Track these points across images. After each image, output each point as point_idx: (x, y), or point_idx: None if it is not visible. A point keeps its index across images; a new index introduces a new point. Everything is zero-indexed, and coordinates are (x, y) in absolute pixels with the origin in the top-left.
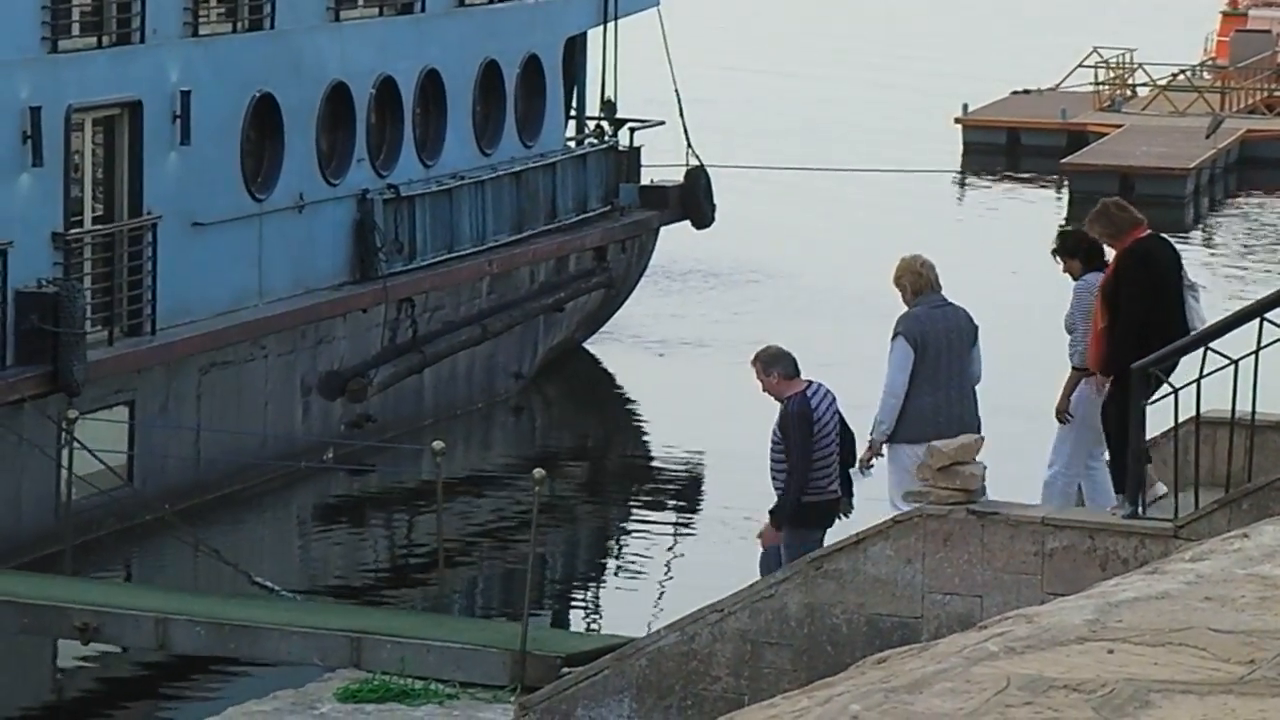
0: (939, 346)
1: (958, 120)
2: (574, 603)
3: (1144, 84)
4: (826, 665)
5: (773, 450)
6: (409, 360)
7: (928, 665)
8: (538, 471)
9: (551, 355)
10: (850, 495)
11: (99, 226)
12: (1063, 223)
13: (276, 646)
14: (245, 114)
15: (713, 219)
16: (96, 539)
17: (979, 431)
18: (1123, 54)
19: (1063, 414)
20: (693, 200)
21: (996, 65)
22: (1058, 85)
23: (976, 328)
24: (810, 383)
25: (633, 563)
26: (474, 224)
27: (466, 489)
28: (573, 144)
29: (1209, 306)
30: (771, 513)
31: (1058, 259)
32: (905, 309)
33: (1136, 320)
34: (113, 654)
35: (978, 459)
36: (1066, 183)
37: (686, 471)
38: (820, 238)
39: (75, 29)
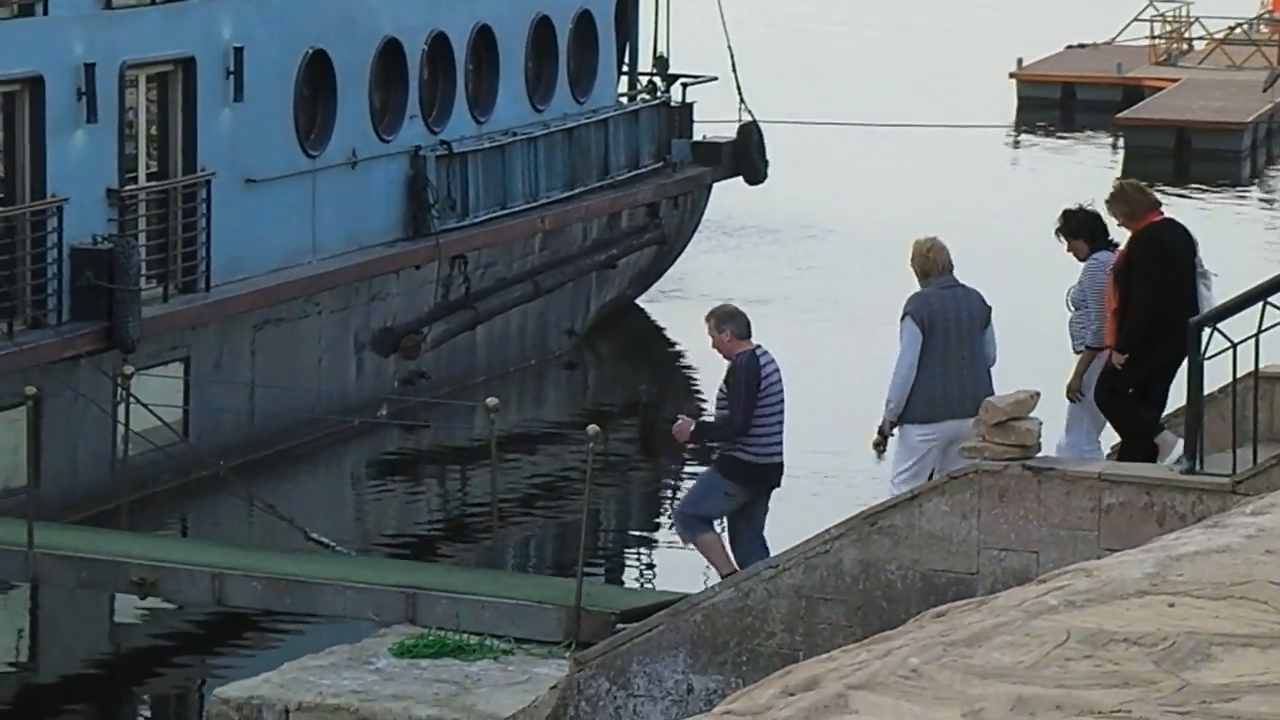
0: (947, 327)
1: (1012, 75)
2: (628, 559)
3: (1200, 38)
4: (881, 621)
5: (717, 406)
6: (462, 317)
7: (987, 619)
8: (592, 428)
9: (604, 312)
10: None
11: (153, 183)
12: (1069, 208)
13: (332, 601)
14: (298, 70)
15: (765, 175)
16: (152, 495)
17: None
18: (1179, 7)
19: (1075, 392)
20: (745, 156)
21: (1052, 19)
22: (1113, 39)
23: (989, 309)
24: (759, 346)
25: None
26: (526, 180)
27: (520, 445)
28: (625, 100)
29: (1265, 261)
30: (699, 425)
31: (1061, 238)
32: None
33: (1148, 304)
34: (169, 609)
35: (1033, 415)
36: (1122, 138)
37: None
38: (873, 193)
39: None
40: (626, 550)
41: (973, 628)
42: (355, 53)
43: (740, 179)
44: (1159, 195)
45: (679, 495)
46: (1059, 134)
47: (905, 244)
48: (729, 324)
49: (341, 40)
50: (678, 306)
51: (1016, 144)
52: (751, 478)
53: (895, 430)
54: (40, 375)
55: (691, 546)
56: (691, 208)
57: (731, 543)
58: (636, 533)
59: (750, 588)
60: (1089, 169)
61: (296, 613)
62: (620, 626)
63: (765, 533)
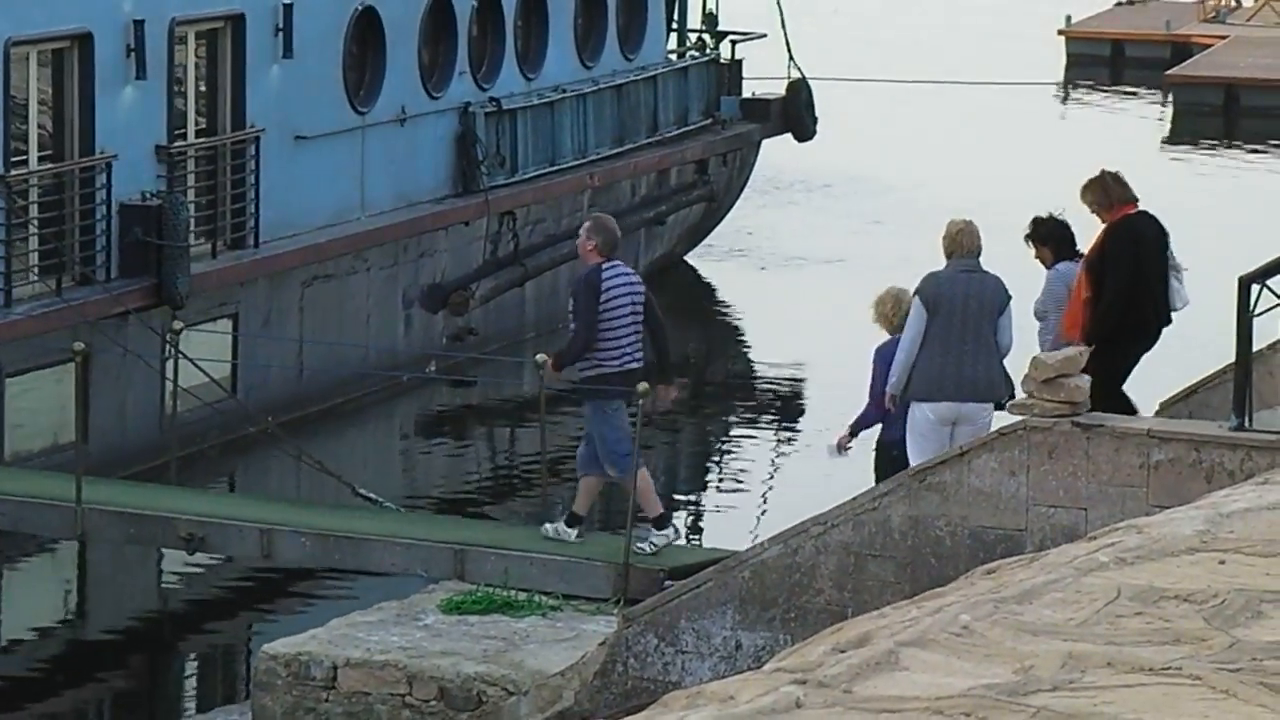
0: (953, 309)
1: (1061, 32)
2: (677, 515)
3: None
4: (930, 578)
5: (570, 317)
6: (511, 273)
7: (1038, 575)
8: (642, 385)
9: (653, 268)
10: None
11: (202, 140)
12: (1040, 215)
13: (380, 558)
14: (347, 27)
15: (814, 132)
16: (201, 451)
17: (999, 399)
18: None
19: None
20: (794, 113)
21: None
22: None
23: (1008, 297)
24: (616, 263)
25: (735, 476)
26: (575, 137)
27: (568, 402)
28: (674, 57)
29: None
30: (557, 354)
31: (1029, 244)
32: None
33: (1120, 295)
34: (217, 564)
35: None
36: (1170, 95)
37: (788, 384)
38: (922, 151)
39: None
40: (675, 507)
41: (1023, 584)
42: (404, 9)
43: (789, 136)
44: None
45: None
46: (1108, 91)
47: (954, 200)
48: (597, 236)
49: None
50: (726, 263)
51: (1065, 101)
52: (612, 385)
53: (894, 404)
54: (89, 331)
55: (623, 479)
56: (740, 165)
57: (585, 446)
58: (685, 489)
59: (799, 544)
60: (1138, 126)
61: (344, 569)
62: (668, 583)
63: (813, 490)
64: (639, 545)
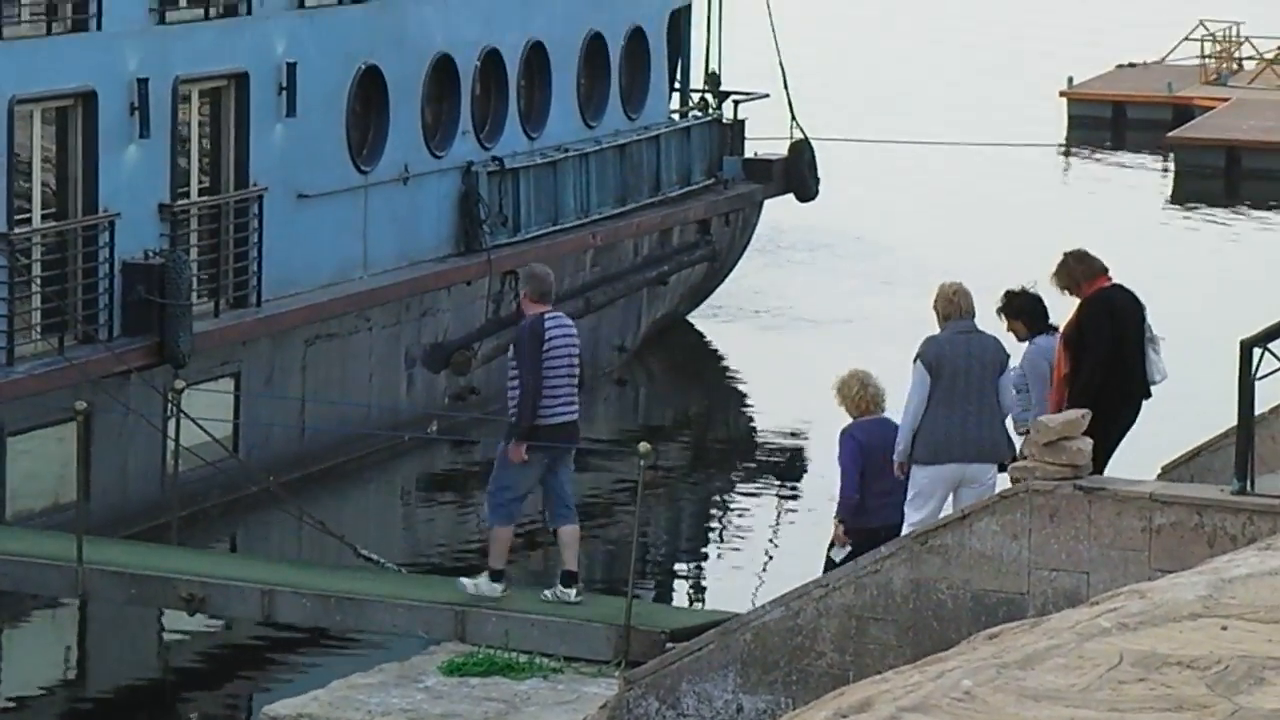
0: (956, 371)
1: (1063, 93)
2: (678, 577)
3: (1251, 57)
4: (932, 641)
5: (508, 373)
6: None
7: (1040, 641)
8: (643, 445)
9: (655, 328)
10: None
11: (205, 198)
12: (1013, 288)
13: (381, 618)
14: (351, 86)
15: (817, 192)
16: (202, 510)
17: (1003, 459)
18: (1229, 27)
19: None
20: (797, 173)
21: (1102, 38)
22: (1163, 58)
23: (1006, 357)
24: (557, 313)
25: (736, 537)
26: (578, 196)
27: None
28: (677, 116)
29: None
30: (510, 430)
31: (1001, 317)
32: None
33: (1098, 368)
34: (218, 625)
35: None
36: (1172, 157)
37: (790, 445)
38: (924, 211)
39: (183, 1)
40: (676, 568)
41: (1025, 649)
42: (408, 68)
43: (792, 196)
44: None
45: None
46: (1110, 153)
47: (955, 261)
48: (528, 285)
49: (394, 56)
50: (729, 323)
51: (1067, 163)
52: (540, 439)
53: (904, 472)
54: (91, 390)
55: (492, 530)
56: (743, 225)
57: (544, 505)
58: (686, 551)
59: (800, 606)
60: (1140, 188)
61: (345, 630)
62: (670, 645)
63: (815, 552)
64: (463, 581)
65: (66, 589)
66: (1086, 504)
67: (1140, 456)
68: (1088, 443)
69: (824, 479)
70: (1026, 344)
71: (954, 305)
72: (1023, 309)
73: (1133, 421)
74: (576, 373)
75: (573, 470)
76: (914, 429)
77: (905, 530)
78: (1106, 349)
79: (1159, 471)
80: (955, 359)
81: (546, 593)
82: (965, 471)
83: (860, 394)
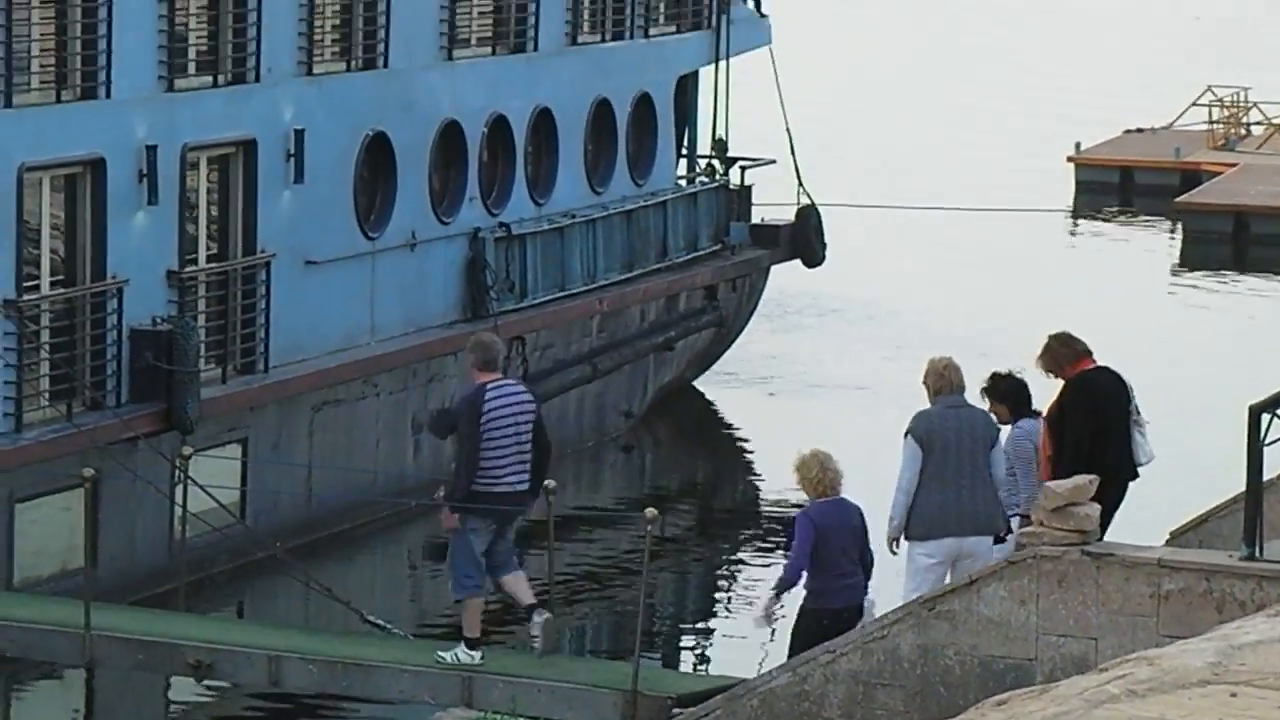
0: (947, 445)
1: (1070, 159)
2: (685, 643)
3: (1259, 123)
4: (939, 707)
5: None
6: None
7: (1048, 708)
8: (650, 511)
9: (662, 394)
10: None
11: (213, 264)
12: (999, 371)
13: (389, 685)
14: (358, 152)
15: (824, 258)
16: (209, 576)
17: (998, 531)
18: (1237, 92)
19: None
20: (804, 239)
21: (1109, 103)
22: (1171, 124)
23: (997, 430)
24: (504, 381)
25: (743, 603)
26: (585, 262)
27: (577, 527)
28: (684, 182)
29: None
30: (445, 497)
31: (984, 398)
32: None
33: (1080, 450)
34: (225, 691)
35: (1091, 500)
36: (1180, 222)
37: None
38: (932, 277)
39: (191, 68)
40: (683, 634)
41: (1034, 717)
42: (415, 135)
43: (799, 261)
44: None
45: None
46: (1117, 218)
47: (965, 327)
48: (473, 353)
49: (402, 122)
50: (736, 389)
51: (1075, 227)
52: (484, 507)
53: (897, 548)
54: (98, 456)
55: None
56: (749, 290)
57: (489, 571)
58: (693, 616)
59: (807, 672)
60: (1148, 253)
61: (353, 696)
62: (677, 711)
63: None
64: (441, 654)
65: (74, 655)
66: (1094, 569)
67: (1148, 521)
68: (1095, 508)
69: None
70: (1010, 427)
71: (944, 380)
72: (1007, 393)
73: (1119, 502)
74: (526, 442)
75: (511, 541)
76: (907, 505)
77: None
78: (1087, 432)
79: (1167, 537)
80: (946, 434)
81: (535, 639)
82: (961, 546)
83: (819, 476)
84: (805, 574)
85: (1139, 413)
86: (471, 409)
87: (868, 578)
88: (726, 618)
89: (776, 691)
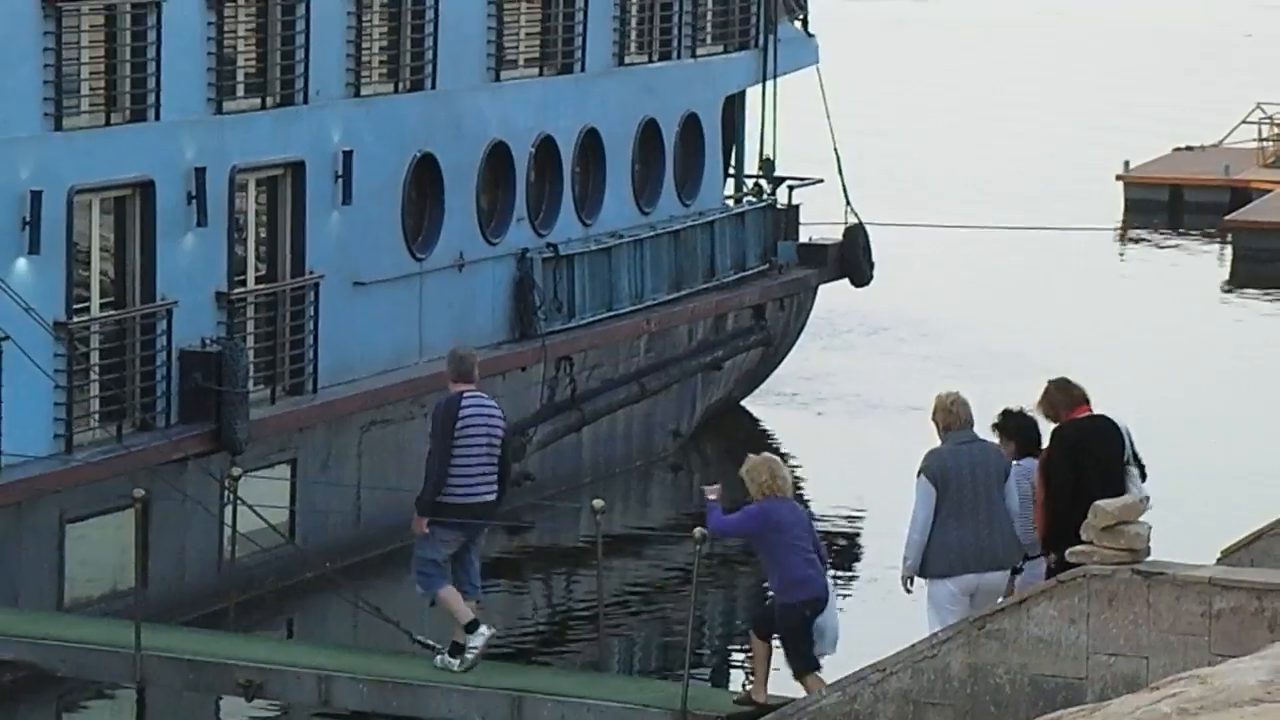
0: (961, 481)
1: (1119, 177)
2: (734, 662)
3: None
4: None
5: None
6: (567, 418)
7: None
8: (699, 531)
9: (710, 413)
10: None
11: (262, 286)
12: (1010, 408)
13: (438, 704)
14: (406, 173)
15: (871, 277)
16: (259, 596)
17: (1015, 564)
18: None
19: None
20: (851, 258)
21: (1158, 122)
22: (1221, 141)
23: (1008, 463)
24: (478, 393)
25: None
26: (632, 282)
27: (625, 547)
28: (731, 202)
29: None
30: (416, 501)
31: (994, 433)
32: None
33: (1060, 499)
34: (275, 710)
35: (1142, 520)
36: (1230, 240)
37: (845, 530)
38: (980, 296)
39: (239, 90)
40: (732, 653)
41: None
42: (463, 156)
43: (846, 281)
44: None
45: None
46: (1166, 236)
47: (1015, 346)
48: (449, 365)
49: (449, 144)
50: (783, 408)
51: (1124, 246)
52: (452, 517)
53: (912, 585)
54: (148, 477)
55: (435, 600)
56: (797, 310)
57: (454, 581)
58: (742, 635)
59: (857, 691)
60: (1197, 271)
61: (402, 715)
62: None
63: (871, 636)
64: (436, 659)
65: (125, 675)
66: (1145, 588)
67: (1200, 540)
68: (1146, 527)
69: (880, 563)
70: (1014, 465)
71: (953, 415)
72: (1016, 431)
73: None
74: (496, 454)
75: (480, 549)
76: (923, 543)
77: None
78: (1065, 480)
79: (1219, 555)
80: (960, 470)
81: (437, 659)
82: (981, 582)
83: (768, 480)
84: (773, 571)
85: (1136, 459)
86: (448, 416)
87: (825, 566)
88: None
89: (826, 710)
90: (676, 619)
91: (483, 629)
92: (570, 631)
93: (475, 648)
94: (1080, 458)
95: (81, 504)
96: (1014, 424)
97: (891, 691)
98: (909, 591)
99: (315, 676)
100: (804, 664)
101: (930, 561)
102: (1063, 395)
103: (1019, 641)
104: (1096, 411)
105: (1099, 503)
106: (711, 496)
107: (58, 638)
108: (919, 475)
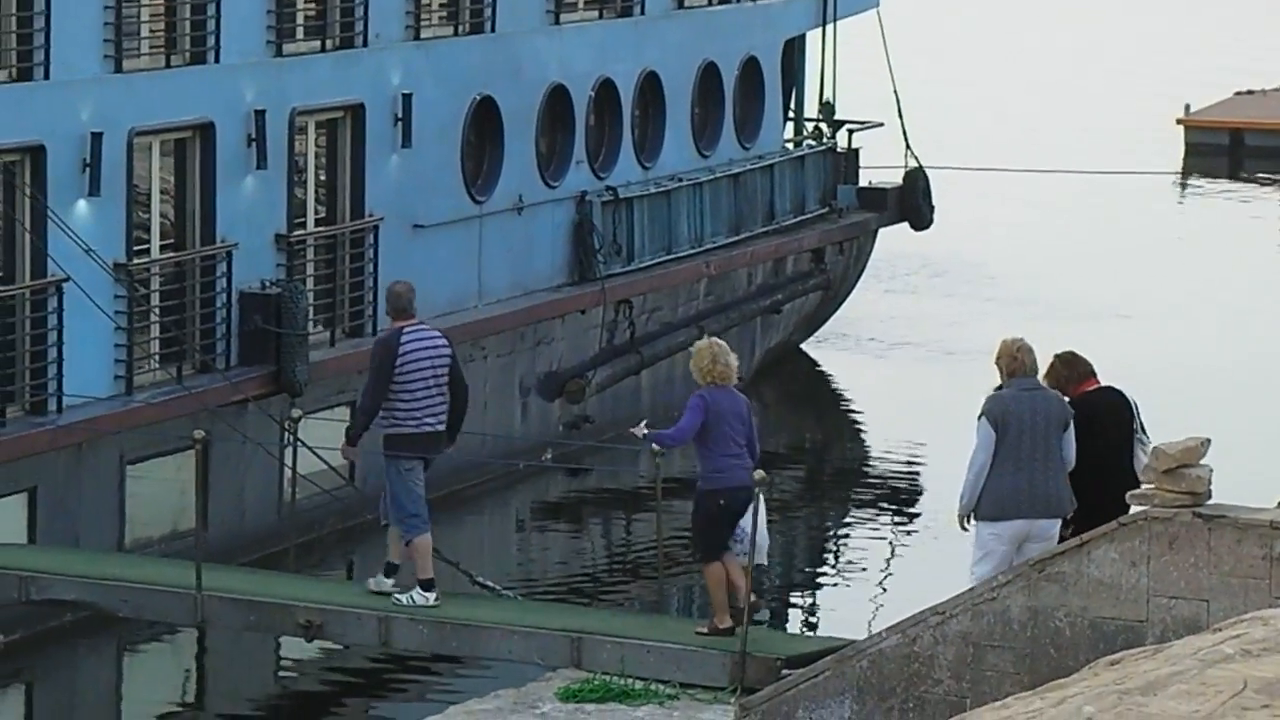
0: (1021, 428)
1: (1180, 121)
2: (793, 604)
3: None
4: (1049, 668)
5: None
6: (627, 361)
7: (1162, 667)
8: (758, 473)
9: (769, 357)
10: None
11: (321, 228)
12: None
13: (497, 645)
14: (466, 116)
15: (931, 220)
16: (318, 537)
17: (1066, 514)
18: None
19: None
20: (911, 202)
21: (1219, 66)
22: None
23: (1070, 414)
24: (420, 326)
25: (852, 564)
26: (692, 225)
27: (685, 490)
28: (791, 146)
29: None
30: (347, 431)
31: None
32: (999, 388)
33: (1077, 470)
34: (335, 651)
35: (1203, 462)
36: None
37: (905, 472)
38: (1039, 239)
39: (299, 33)
40: (792, 595)
41: (1147, 676)
42: (522, 99)
43: (906, 224)
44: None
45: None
46: (1227, 180)
47: (1074, 291)
48: (387, 301)
49: (509, 87)
50: (843, 351)
51: (1184, 190)
52: (405, 447)
53: (968, 524)
54: (209, 419)
55: (411, 544)
56: (857, 253)
57: (391, 512)
58: (802, 578)
59: (917, 634)
60: (1258, 216)
61: (462, 656)
62: (786, 672)
63: (931, 578)
64: (397, 597)
65: (185, 616)
66: (1206, 531)
67: (1261, 484)
68: (1207, 470)
69: (939, 506)
70: None
71: (1018, 362)
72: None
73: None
74: (443, 385)
75: (423, 479)
76: (978, 485)
77: (969, 585)
78: (1085, 452)
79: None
80: (1021, 416)
81: (370, 580)
82: (1032, 528)
83: (709, 366)
84: (700, 458)
85: (1144, 430)
86: (385, 352)
87: (755, 462)
88: (835, 578)
89: (885, 653)
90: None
91: (392, 579)
92: (630, 573)
93: (383, 590)
94: (1093, 433)
95: (142, 445)
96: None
97: (951, 634)
98: (965, 529)
99: (375, 617)
100: (706, 552)
101: (984, 504)
102: (1069, 370)
103: (1079, 584)
104: (1105, 384)
105: (1159, 445)
106: (643, 431)
107: (118, 578)
108: (980, 418)
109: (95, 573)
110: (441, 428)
